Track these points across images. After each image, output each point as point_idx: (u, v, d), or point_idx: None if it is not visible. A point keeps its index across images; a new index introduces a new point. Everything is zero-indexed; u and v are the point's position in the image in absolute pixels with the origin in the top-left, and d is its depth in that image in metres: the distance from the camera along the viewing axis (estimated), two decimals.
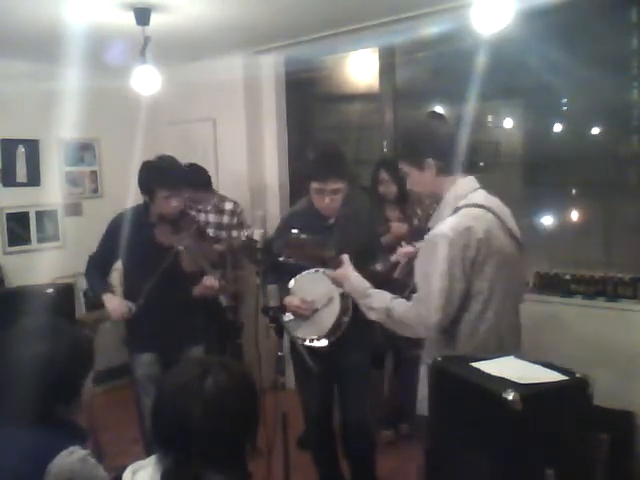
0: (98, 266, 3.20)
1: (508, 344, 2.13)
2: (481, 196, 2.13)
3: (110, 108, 4.82)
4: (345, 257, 2.33)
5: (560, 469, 2.27)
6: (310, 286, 2.80)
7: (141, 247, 3.05)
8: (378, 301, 2.17)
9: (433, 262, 2.00)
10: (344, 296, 2.68)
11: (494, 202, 2.16)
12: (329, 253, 2.36)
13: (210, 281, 3.07)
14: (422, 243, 2.13)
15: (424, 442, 2.76)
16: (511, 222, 2.17)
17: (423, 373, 2.22)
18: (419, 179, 2.19)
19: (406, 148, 2.29)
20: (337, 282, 2.37)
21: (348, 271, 2.29)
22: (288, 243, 2.40)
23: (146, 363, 3.17)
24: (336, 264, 2.33)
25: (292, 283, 2.84)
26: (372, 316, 2.20)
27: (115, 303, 3.09)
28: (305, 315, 2.78)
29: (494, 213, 2.09)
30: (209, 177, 4.33)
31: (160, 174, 3.04)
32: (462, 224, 2.01)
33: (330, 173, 2.79)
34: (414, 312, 2.05)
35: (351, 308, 2.70)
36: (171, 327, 3.13)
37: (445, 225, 2.03)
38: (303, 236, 2.38)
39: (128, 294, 3.19)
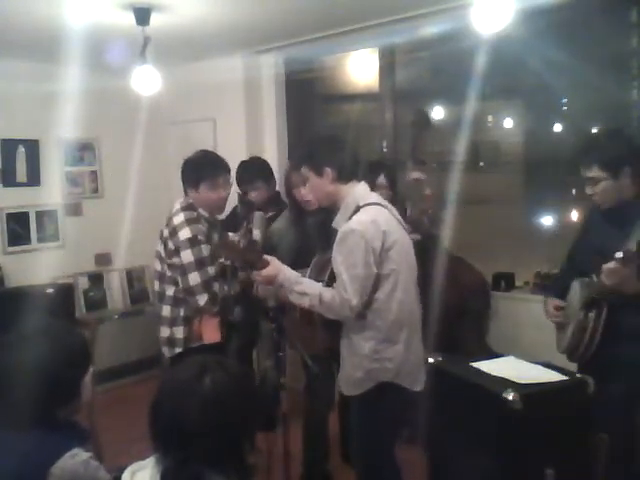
0: None
1: (416, 317, 2.49)
2: (375, 197, 2.49)
3: (110, 108, 4.81)
4: (271, 257, 2.49)
5: (560, 469, 2.27)
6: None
7: None
8: (310, 288, 2.40)
9: (348, 253, 2.30)
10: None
11: (384, 201, 2.51)
12: (255, 256, 2.48)
13: None
14: (336, 239, 2.37)
15: (423, 443, 2.76)
16: (399, 216, 2.52)
17: (345, 353, 2.46)
18: (316, 184, 2.47)
19: (308, 154, 2.54)
20: (269, 280, 2.46)
21: (277, 265, 2.46)
22: (225, 245, 2.62)
23: None
24: (263, 265, 2.45)
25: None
26: (305, 301, 2.39)
27: None
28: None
29: (387, 209, 2.45)
30: None
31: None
32: (368, 219, 2.33)
33: None
34: (339, 297, 2.31)
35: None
36: None
37: (354, 222, 2.34)
38: (237, 239, 2.67)
39: None
